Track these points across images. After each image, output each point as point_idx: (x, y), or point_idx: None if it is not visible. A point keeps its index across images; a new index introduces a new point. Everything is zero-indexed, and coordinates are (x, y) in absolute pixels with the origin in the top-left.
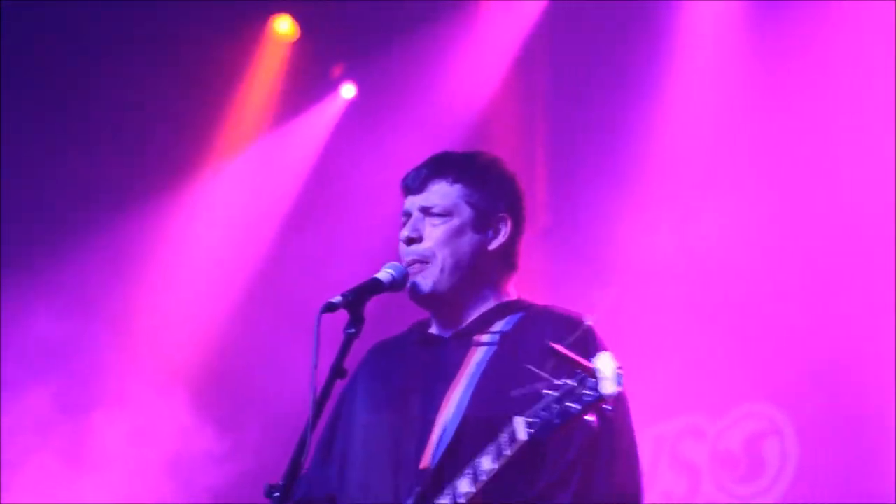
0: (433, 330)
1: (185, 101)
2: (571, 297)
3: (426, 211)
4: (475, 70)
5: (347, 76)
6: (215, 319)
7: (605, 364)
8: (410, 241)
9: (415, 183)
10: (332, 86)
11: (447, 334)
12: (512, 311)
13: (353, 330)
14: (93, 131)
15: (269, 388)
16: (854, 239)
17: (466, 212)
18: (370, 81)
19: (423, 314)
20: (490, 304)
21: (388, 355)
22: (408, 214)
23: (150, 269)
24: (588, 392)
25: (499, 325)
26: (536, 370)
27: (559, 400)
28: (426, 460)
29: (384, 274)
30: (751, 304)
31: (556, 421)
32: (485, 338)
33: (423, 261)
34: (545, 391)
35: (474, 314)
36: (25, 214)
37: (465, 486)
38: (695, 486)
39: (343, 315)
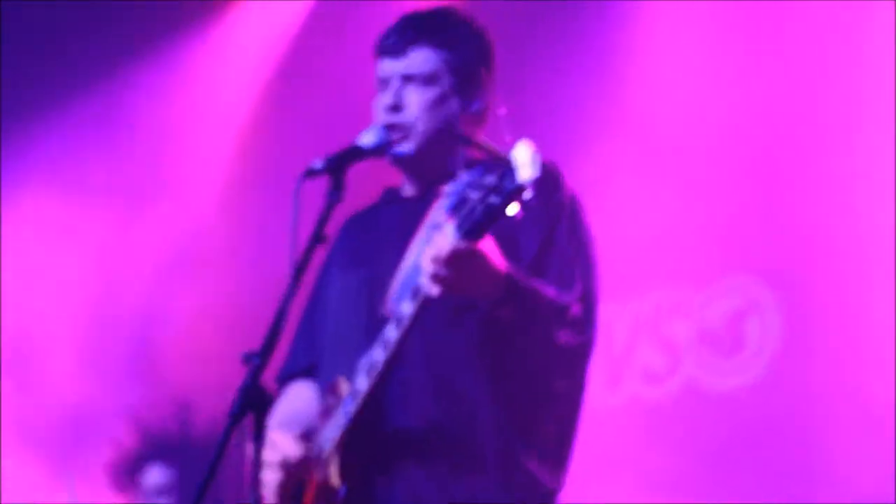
0: (405, 191)
1: None
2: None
3: (408, 78)
4: None
5: None
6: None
7: (520, 152)
8: (393, 109)
9: (395, 47)
10: None
11: (417, 192)
12: (477, 161)
13: (334, 195)
14: None
15: (250, 256)
16: (857, 104)
17: (449, 78)
18: None
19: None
20: (459, 159)
21: (360, 223)
22: (385, 81)
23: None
24: (507, 183)
25: (464, 176)
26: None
27: (483, 199)
28: (385, 307)
29: (366, 139)
30: (733, 170)
31: (482, 219)
32: (447, 188)
33: (404, 127)
34: (470, 194)
35: (445, 171)
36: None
37: (406, 307)
38: (675, 362)
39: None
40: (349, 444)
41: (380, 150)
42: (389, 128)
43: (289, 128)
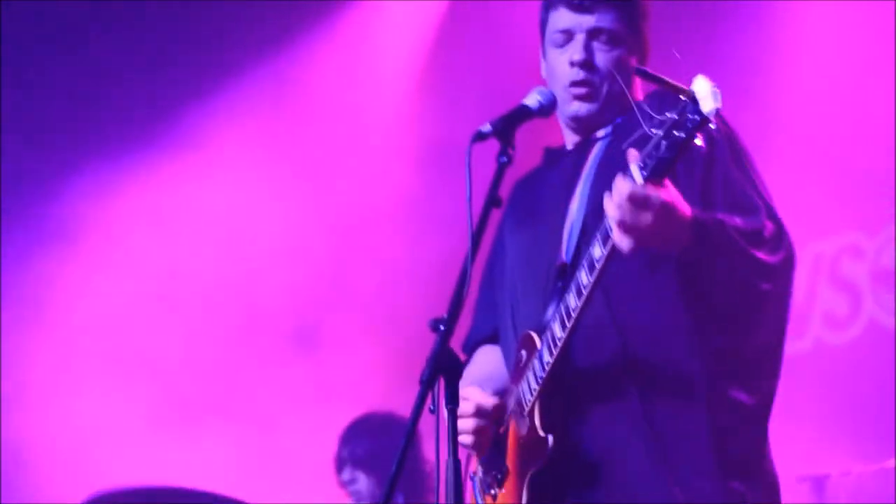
0: (566, 145)
1: None
2: None
3: (594, 34)
4: None
5: None
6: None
7: (700, 85)
8: (584, 66)
9: (585, 2)
10: None
11: (578, 144)
12: (626, 104)
13: (505, 158)
14: None
15: (426, 222)
16: None
17: (629, 37)
18: None
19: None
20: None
21: (526, 187)
22: (569, 33)
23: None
24: (690, 116)
25: (614, 119)
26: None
27: (666, 135)
28: (561, 257)
29: (532, 100)
30: None
31: (667, 155)
32: (600, 133)
33: (592, 86)
34: (652, 131)
35: (609, 122)
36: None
37: (597, 251)
38: (856, 304)
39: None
40: (550, 393)
41: (546, 110)
42: (578, 84)
43: (454, 92)
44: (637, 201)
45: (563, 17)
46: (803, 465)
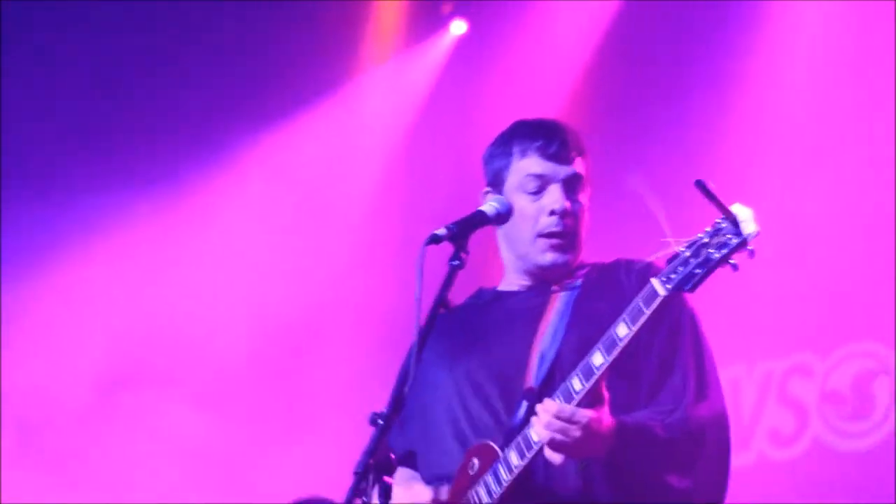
0: (506, 286)
1: (295, 33)
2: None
3: (567, 183)
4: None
5: (458, 12)
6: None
7: (740, 208)
8: (565, 215)
9: (561, 153)
10: (443, 22)
11: (521, 288)
12: (583, 266)
13: (457, 262)
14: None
15: (371, 323)
16: None
17: (588, 187)
18: (481, 18)
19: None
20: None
21: (452, 319)
22: (543, 179)
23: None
24: (729, 237)
25: (576, 275)
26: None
27: (695, 253)
28: (529, 381)
29: (489, 207)
30: (860, 240)
31: (698, 271)
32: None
33: (569, 236)
34: (678, 249)
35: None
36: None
37: (597, 358)
38: (802, 423)
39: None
40: (511, 497)
41: (503, 218)
42: (556, 235)
43: (416, 190)
44: (565, 418)
45: (535, 164)
46: None
